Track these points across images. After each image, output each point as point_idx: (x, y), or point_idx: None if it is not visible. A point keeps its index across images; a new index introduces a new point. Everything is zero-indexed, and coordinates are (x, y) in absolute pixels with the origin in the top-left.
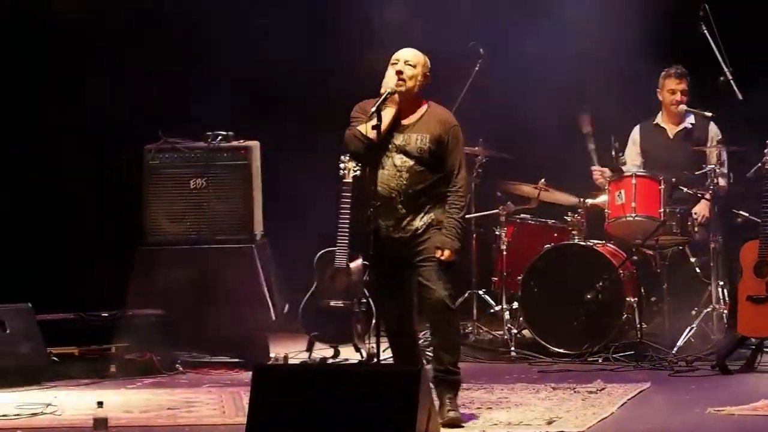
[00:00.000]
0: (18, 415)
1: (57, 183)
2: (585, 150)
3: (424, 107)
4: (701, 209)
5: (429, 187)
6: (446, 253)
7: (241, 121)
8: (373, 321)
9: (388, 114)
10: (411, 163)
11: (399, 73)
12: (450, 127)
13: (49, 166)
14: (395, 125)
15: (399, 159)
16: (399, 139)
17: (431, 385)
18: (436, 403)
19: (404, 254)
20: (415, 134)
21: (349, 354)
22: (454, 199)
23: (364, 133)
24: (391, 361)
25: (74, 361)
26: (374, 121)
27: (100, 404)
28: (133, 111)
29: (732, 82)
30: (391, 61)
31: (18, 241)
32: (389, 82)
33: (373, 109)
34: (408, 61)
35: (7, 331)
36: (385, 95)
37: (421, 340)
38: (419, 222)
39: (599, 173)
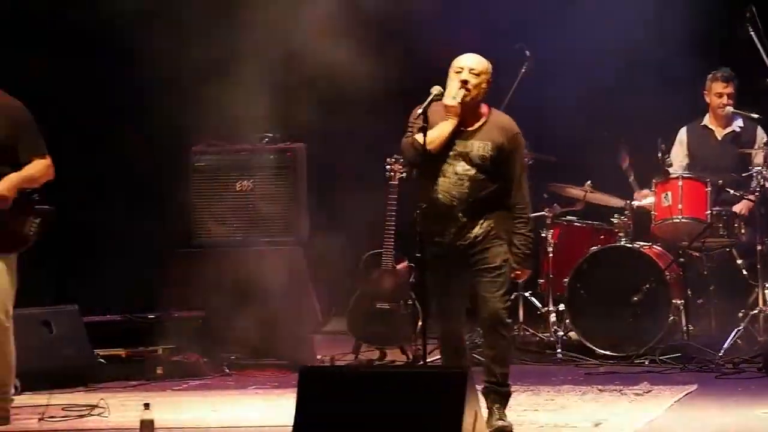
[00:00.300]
0: (64, 417)
1: (103, 185)
2: (627, 182)
3: (486, 114)
4: (740, 207)
5: (490, 196)
6: (522, 273)
7: (287, 122)
8: (420, 323)
9: (449, 125)
10: (473, 171)
11: (464, 83)
12: (512, 134)
13: (95, 167)
14: (457, 133)
15: (461, 167)
16: (461, 147)
17: (480, 394)
18: (484, 410)
19: (462, 261)
20: (477, 142)
21: (395, 356)
22: (520, 212)
23: (422, 143)
24: (437, 362)
25: (121, 362)
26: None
27: (146, 406)
28: (179, 112)
29: None
30: (455, 69)
31: (65, 243)
32: (453, 92)
33: (420, 110)
34: (473, 70)
35: (54, 333)
36: (431, 98)
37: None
38: (479, 229)
39: (642, 196)
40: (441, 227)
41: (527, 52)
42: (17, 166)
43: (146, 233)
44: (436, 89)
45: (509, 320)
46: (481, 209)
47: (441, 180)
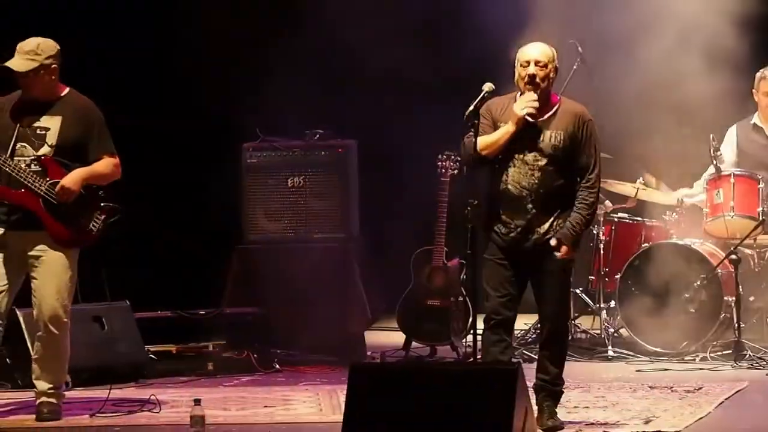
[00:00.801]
0: (116, 412)
1: (155, 182)
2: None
3: (557, 102)
4: None
5: (561, 188)
6: (563, 249)
7: (338, 118)
8: (470, 319)
9: (506, 133)
10: (544, 161)
11: (532, 77)
12: (584, 121)
13: (146, 164)
14: (528, 122)
15: (531, 157)
16: (532, 136)
17: (531, 389)
18: (534, 407)
19: (525, 256)
20: (549, 131)
21: (446, 353)
22: (585, 194)
23: (476, 149)
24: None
25: (172, 358)
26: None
27: (197, 402)
28: (232, 109)
29: None
30: (521, 62)
31: (116, 239)
32: (523, 102)
33: (471, 108)
34: (539, 62)
35: (106, 329)
36: (482, 95)
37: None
38: (547, 226)
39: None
40: (508, 219)
41: (579, 48)
42: (87, 165)
43: (198, 230)
44: (487, 86)
45: (567, 324)
46: (552, 204)
47: (511, 170)
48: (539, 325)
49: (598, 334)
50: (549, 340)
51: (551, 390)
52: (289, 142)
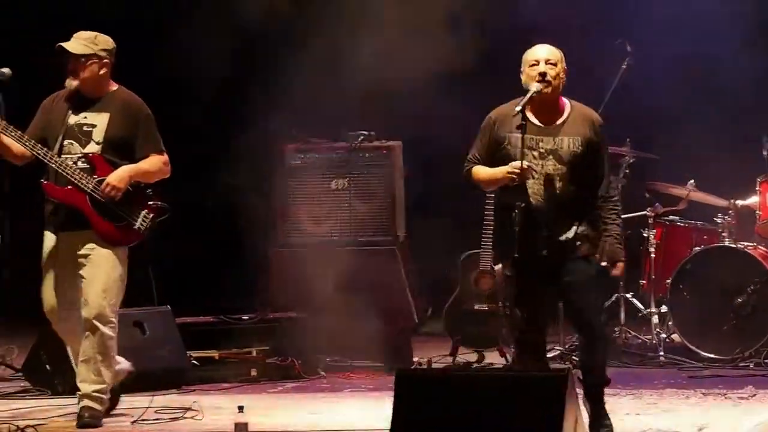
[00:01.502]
0: (158, 419)
1: (198, 185)
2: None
3: (569, 106)
4: None
5: (582, 194)
6: (620, 266)
7: (381, 120)
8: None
9: (501, 173)
10: (564, 169)
11: (543, 75)
12: (598, 125)
13: (190, 168)
14: (543, 129)
15: (551, 165)
16: (549, 144)
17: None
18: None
19: (552, 268)
20: (566, 137)
21: (494, 358)
22: (611, 205)
23: (470, 177)
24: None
25: (214, 364)
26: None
27: (240, 409)
28: (273, 111)
29: None
30: (529, 63)
31: (158, 244)
32: (531, 85)
33: (518, 108)
34: (549, 60)
35: (147, 334)
36: (530, 94)
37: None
38: (571, 233)
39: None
40: (531, 231)
41: (628, 48)
42: (134, 163)
43: (241, 233)
44: (534, 86)
45: (604, 329)
46: (575, 211)
47: (531, 181)
48: (576, 336)
49: (649, 339)
50: (585, 351)
51: (593, 394)
52: (333, 144)
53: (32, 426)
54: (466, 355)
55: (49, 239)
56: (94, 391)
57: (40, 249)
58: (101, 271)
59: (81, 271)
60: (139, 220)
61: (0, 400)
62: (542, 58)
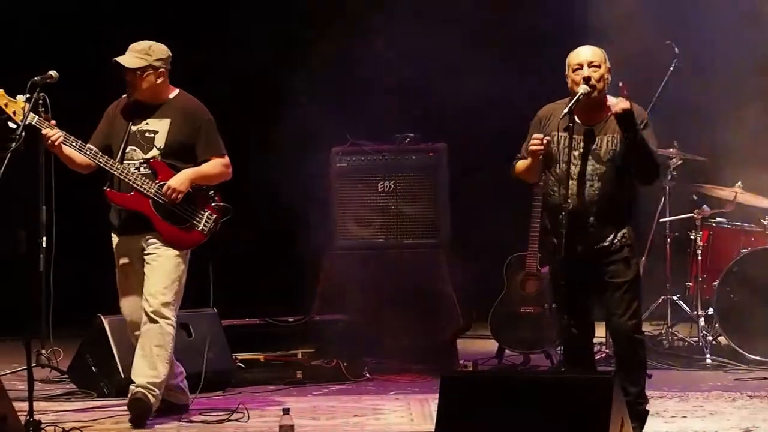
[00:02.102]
0: (203, 421)
1: (244, 187)
2: None
3: (608, 106)
4: None
5: (622, 195)
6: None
7: (428, 122)
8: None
9: (525, 161)
10: (603, 169)
11: (587, 79)
12: (643, 119)
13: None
14: (585, 131)
15: (590, 166)
16: (590, 143)
17: None
18: None
19: (592, 271)
20: (606, 136)
21: (539, 361)
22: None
23: (513, 172)
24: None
25: (260, 367)
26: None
27: (286, 411)
28: (320, 113)
29: None
30: (573, 67)
31: (204, 246)
32: (578, 87)
33: (565, 111)
34: (592, 63)
35: (193, 337)
36: (577, 97)
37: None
38: (612, 238)
39: None
40: (574, 233)
41: (676, 49)
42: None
43: (287, 235)
44: (582, 88)
45: (641, 337)
46: (615, 213)
47: (570, 182)
48: (612, 343)
49: (695, 341)
50: (623, 358)
51: (633, 410)
52: (379, 146)
53: (78, 428)
54: (512, 358)
55: (116, 242)
56: (148, 383)
57: (84, 249)
58: (163, 269)
59: (145, 270)
60: (203, 221)
61: (46, 402)
62: (585, 61)
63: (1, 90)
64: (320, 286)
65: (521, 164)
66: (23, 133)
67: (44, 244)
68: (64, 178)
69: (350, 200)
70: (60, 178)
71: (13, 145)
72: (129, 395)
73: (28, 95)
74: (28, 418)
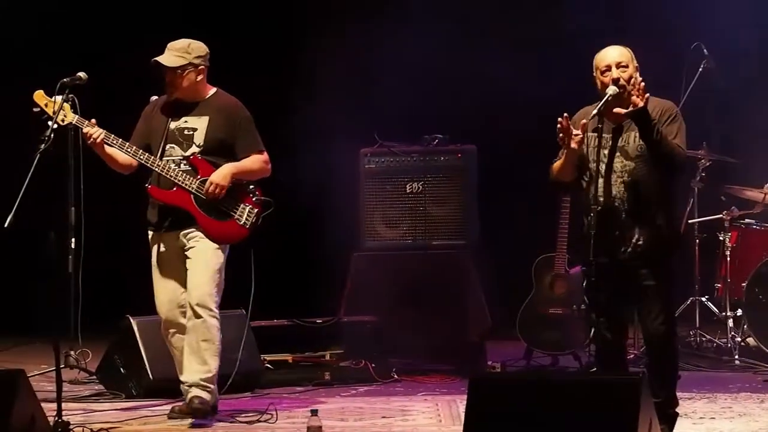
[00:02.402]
0: (233, 422)
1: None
2: None
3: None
4: None
5: (652, 191)
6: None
7: (457, 123)
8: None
9: (559, 161)
10: (631, 165)
11: (616, 81)
12: (668, 114)
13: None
14: (614, 128)
15: (619, 163)
16: (619, 141)
17: None
18: None
19: (623, 272)
20: (633, 132)
21: (568, 362)
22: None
23: (550, 173)
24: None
25: (288, 368)
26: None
27: (314, 412)
28: (347, 113)
29: None
30: (601, 69)
31: (232, 248)
32: (607, 89)
33: (594, 111)
34: (620, 63)
35: (221, 338)
36: (607, 97)
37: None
38: (643, 237)
39: None
40: (603, 233)
41: (705, 51)
42: None
43: (315, 236)
44: (611, 89)
45: (673, 340)
46: (646, 210)
47: (600, 180)
48: (644, 345)
49: (724, 343)
50: (654, 361)
51: (663, 414)
52: (408, 148)
53: (106, 429)
54: (540, 359)
55: (154, 240)
56: (201, 380)
57: (113, 250)
58: (204, 263)
59: (187, 264)
60: (244, 216)
61: (74, 403)
62: (613, 62)
63: (40, 90)
64: (348, 287)
65: (556, 164)
66: (53, 134)
67: (73, 245)
68: (94, 179)
69: (378, 201)
70: (89, 179)
71: (43, 146)
72: (185, 397)
73: (57, 96)
74: (56, 419)
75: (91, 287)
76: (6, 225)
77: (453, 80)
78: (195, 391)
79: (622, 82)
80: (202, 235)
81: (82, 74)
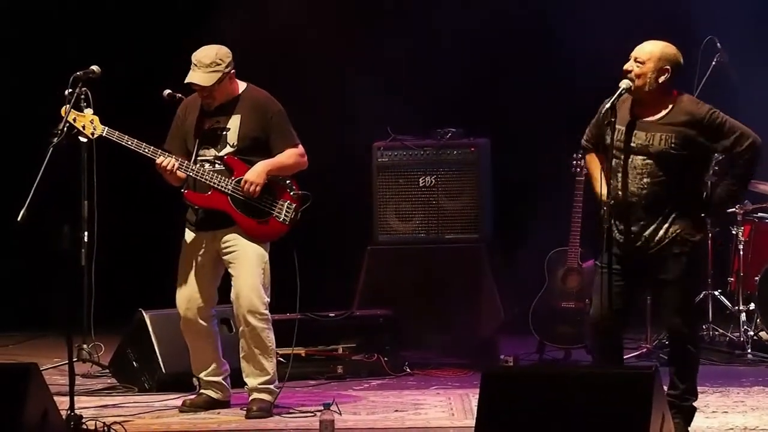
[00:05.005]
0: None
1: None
2: None
3: (675, 102)
4: None
5: (672, 191)
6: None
7: (470, 117)
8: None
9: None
10: (653, 164)
11: (626, 72)
12: (699, 118)
13: None
14: (639, 125)
15: (640, 161)
16: (641, 139)
17: None
18: None
19: (640, 266)
20: (660, 133)
21: (580, 356)
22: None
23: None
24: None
25: (300, 361)
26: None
27: (327, 406)
28: (362, 107)
29: None
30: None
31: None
32: (620, 84)
33: (608, 105)
34: (637, 58)
35: (234, 332)
36: (619, 92)
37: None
38: (663, 233)
39: None
40: (621, 227)
41: (718, 44)
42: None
43: (328, 230)
44: (624, 83)
45: (693, 333)
46: (665, 208)
47: (620, 176)
48: (666, 340)
49: (737, 337)
50: (675, 354)
51: (680, 406)
52: (421, 141)
53: (119, 423)
54: (553, 353)
55: (191, 238)
56: (260, 384)
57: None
58: (249, 265)
59: (230, 269)
60: (283, 211)
61: (87, 397)
62: (634, 55)
63: (65, 106)
64: (361, 281)
65: (589, 173)
66: (65, 128)
67: (86, 239)
68: (107, 173)
69: (391, 195)
70: (102, 173)
71: (55, 140)
72: (249, 398)
73: (70, 90)
74: (69, 412)
75: (105, 280)
76: (19, 219)
77: (467, 72)
78: (255, 395)
79: (631, 75)
80: (240, 236)
81: (95, 67)
